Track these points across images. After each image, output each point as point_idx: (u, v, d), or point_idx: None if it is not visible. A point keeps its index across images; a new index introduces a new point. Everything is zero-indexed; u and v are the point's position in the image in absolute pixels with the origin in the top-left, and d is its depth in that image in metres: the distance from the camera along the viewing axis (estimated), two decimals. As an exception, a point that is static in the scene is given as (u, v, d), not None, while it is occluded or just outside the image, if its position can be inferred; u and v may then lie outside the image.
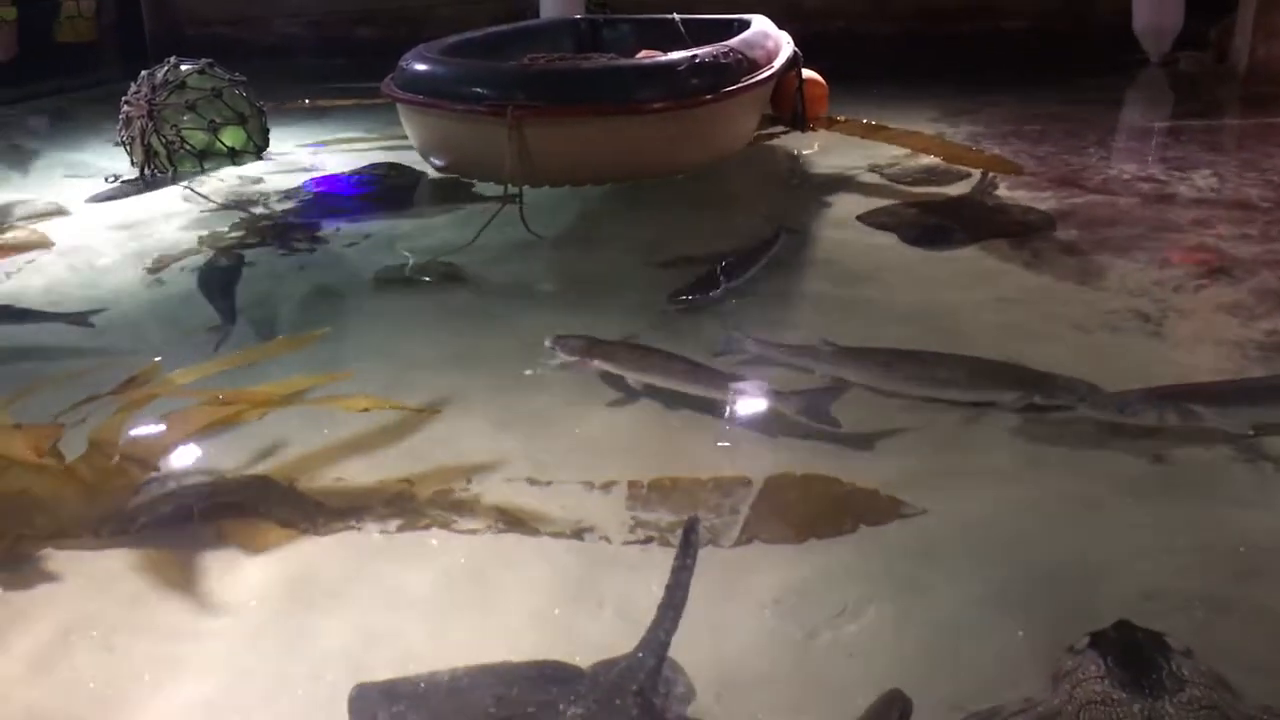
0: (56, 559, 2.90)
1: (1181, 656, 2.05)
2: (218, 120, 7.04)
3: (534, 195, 5.58)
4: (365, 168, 6.86)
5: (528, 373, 3.88)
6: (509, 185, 5.47)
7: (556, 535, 2.92)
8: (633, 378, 3.69)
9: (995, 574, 2.69)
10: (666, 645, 2.27)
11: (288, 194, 6.42)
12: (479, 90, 5.53)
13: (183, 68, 7.06)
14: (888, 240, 5.21)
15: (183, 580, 2.79)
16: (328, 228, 5.75)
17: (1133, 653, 2.06)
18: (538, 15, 9.44)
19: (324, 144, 7.74)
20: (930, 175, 6.30)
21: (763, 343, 3.92)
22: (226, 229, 5.73)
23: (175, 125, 6.89)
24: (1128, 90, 8.94)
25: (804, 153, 7.11)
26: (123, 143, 6.98)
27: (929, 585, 2.66)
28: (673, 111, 5.57)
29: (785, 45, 6.98)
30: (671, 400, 3.60)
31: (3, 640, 2.59)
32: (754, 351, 3.88)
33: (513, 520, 2.99)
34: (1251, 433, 3.21)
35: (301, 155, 7.42)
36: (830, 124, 7.63)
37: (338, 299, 4.80)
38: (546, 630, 2.55)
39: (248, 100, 7.25)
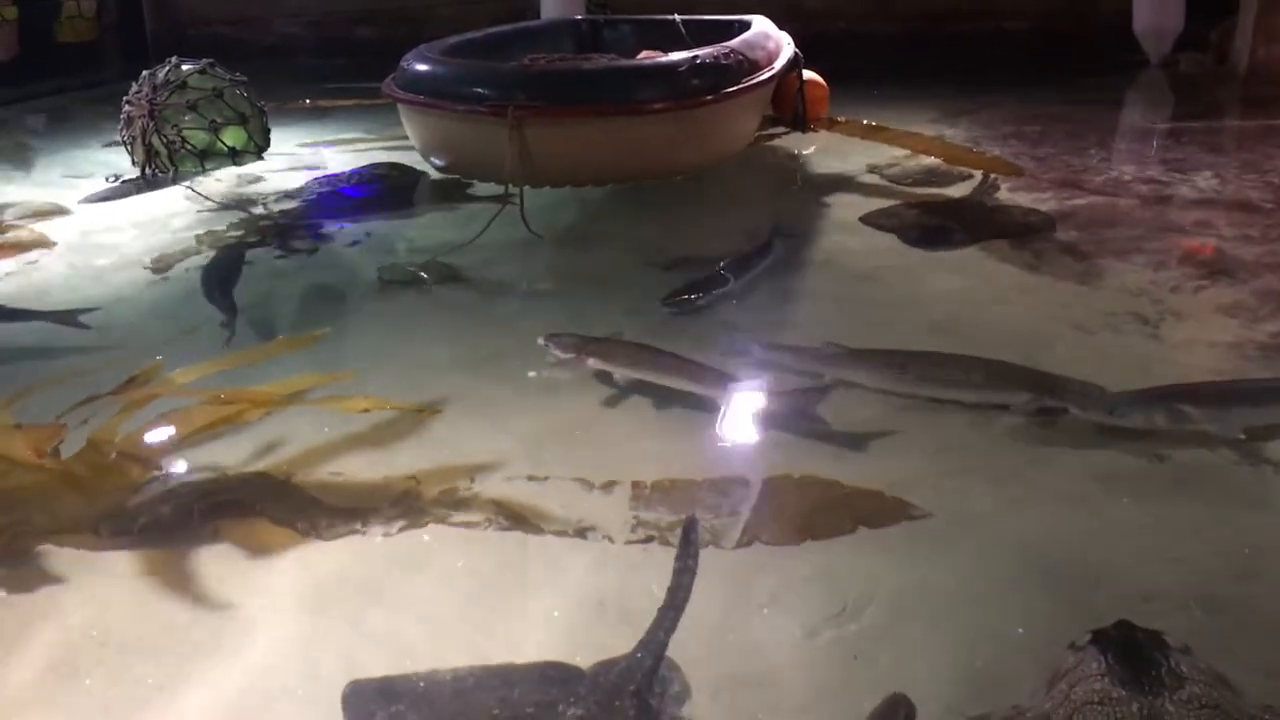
0: (57, 559, 2.90)
1: (1181, 654, 2.05)
2: (219, 120, 7.04)
3: (534, 195, 5.58)
4: (366, 168, 6.86)
5: (530, 374, 3.88)
6: (509, 185, 5.47)
7: (559, 534, 2.92)
8: (626, 375, 3.69)
9: (996, 573, 2.69)
10: (665, 645, 2.27)
11: (289, 194, 6.41)
12: (480, 90, 5.53)
13: (184, 68, 7.05)
14: (888, 241, 5.21)
15: (183, 580, 2.79)
16: (328, 227, 5.75)
17: (1132, 650, 2.05)
18: (538, 16, 9.43)
19: (329, 144, 7.73)
20: (931, 176, 6.29)
21: (772, 346, 3.91)
22: (227, 229, 5.73)
23: (176, 125, 6.89)
24: (1128, 91, 8.92)
25: (804, 153, 7.10)
26: (124, 142, 6.97)
27: (929, 585, 2.65)
28: (673, 112, 5.56)
29: (786, 46, 6.97)
30: (671, 399, 3.60)
31: (3, 640, 2.59)
32: (761, 355, 3.87)
33: (514, 519, 2.99)
34: (1242, 436, 3.20)
35: (303, 155, 7.42)
36: (831, 125, 7.61)
37: (338, 299, 4.80)
38: (548, 630, 2.55)
39: (249, 100, 7.24)
